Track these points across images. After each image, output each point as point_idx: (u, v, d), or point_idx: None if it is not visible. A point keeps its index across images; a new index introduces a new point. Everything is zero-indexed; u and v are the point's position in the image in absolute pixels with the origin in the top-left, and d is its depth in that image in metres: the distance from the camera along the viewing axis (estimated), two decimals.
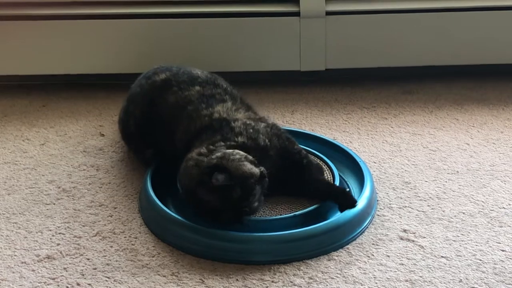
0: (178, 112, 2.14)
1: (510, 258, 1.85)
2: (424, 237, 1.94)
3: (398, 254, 1.88)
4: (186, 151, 2.00)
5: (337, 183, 2.07)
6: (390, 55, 2.77)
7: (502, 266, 1.83)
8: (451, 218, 2.02)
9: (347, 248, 1.90)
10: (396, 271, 1.82)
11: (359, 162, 2.17)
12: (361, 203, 1.99)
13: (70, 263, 1.86)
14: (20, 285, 1.79)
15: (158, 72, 2.29)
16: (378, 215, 2.03)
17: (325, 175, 2.11)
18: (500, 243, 1.91)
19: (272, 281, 1.79)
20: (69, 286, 1.78)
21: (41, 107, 2.71)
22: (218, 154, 1.91)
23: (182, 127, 2.10)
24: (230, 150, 1.93)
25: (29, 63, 2.78)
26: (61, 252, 1.90)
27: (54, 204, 2.11)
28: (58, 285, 1.79)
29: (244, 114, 2.12)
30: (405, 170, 2.25)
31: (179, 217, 1.93)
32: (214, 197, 1.85)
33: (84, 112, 2.66)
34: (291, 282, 1.79)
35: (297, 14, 2.70)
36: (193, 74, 2.25)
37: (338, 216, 1.95)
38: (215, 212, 1.87)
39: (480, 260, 1.85)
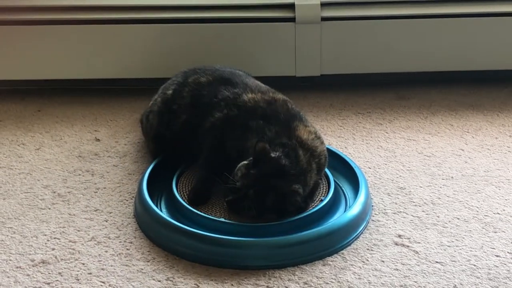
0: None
1: (505, 264, 1.86)
2: (419, 243, 1.94)
3: (393, 259, 1.88)
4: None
5: (332, 188, 2.07)
6: (385, 61, 2.78)
7: (496, 272, 1.83)
8: (446, 223, 2.02)
9: (342, 253, 1.91)
10: (390, 276, 1.82)
11: (354, 168, 2.17)
12: (356, 208, 1.99)
13: (65, 268, 1.86)
14: None
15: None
16: (373, 221, 2.04)
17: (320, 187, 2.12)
18: (494, 248, 1.92)
19: (267, 286, 1.79)
20: None
21: (36, 112, 2.71)
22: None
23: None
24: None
25: (24, 68, 2.78)
26: (56, 257, 1.90)
27: (49, 208, 2.11)
28: None
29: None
30: (400, 176, 2.26)
31: (174, 222, 1.93)
32: (267, 164, 1.91)
33: (80, 117, 2.66)
34: (286, 287, 1.79)
35: (292, 20, 2.71)
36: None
37: (333, 222, 1.95)
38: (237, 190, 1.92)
39: (475, 265, 1.85)
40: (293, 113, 2.14)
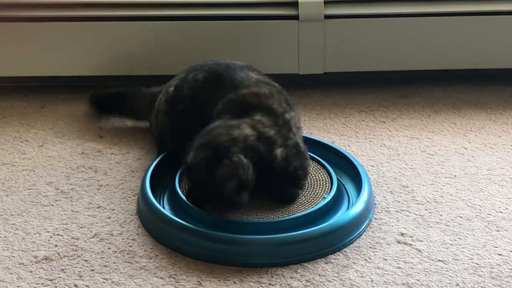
0: None
1: (507, 262, 1.86)
2: (421, 241, 1.94)
3: (395, 258, 1.88)
4: None
5: (334, 186, 2.07)
6: (388, 59, 2.78)
7: (499, 270, 1.83)
8: (449, 222, 2.02)
9: (345, 251, 1.91)
10: (393, 275, 1.82)
11: (357, 166, 2.17)
12: (358, 206, 1.99)
13: (67, 265, 1.87)
14: (18, 286, 1.79)
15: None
16: (376, 219, 2.04)
17: (323, 177, 2.12)
18: (497, 247, 1.92)
19: (270, 284, 1.79)
20: (66, 287, 1.79)
21: (39, 108, 2.71)
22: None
23: None
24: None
25: (27, 64, 2.78)
26: (58, 254, 1.91)
27: (52, 205, 2.11)
28: (56, 287, 1.79)
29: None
30: (403, 174, 2.26)
31: (177, 219, 1.93)
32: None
33: (83, 114, 2.67)
34: (288, 285, 1.79)
35: (296, 17, 2.71)
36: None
37: (335, 219, 1.95)
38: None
39: (477, 264, 1.85)
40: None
